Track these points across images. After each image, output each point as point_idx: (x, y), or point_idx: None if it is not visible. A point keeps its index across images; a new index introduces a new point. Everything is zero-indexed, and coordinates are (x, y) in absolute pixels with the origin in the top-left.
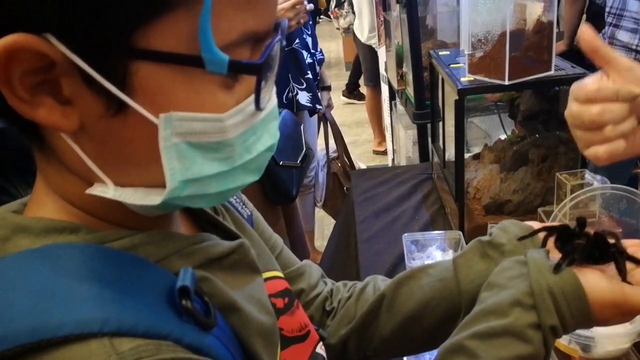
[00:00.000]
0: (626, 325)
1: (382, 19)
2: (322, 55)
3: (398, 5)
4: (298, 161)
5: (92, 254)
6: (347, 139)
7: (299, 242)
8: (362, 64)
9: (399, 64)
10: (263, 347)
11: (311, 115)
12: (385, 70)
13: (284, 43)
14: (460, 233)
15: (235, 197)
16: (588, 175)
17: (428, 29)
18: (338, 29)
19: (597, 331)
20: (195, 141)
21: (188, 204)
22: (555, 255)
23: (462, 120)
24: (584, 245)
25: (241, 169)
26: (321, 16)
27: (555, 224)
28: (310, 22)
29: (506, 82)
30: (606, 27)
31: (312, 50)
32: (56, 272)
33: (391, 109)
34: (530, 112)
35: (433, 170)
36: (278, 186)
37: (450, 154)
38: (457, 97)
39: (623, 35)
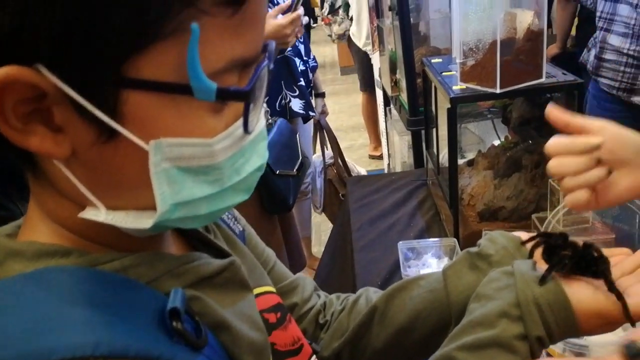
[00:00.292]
0: (618, 333)
1: (375, 25)
2: (315, 62)
3: (391, 12)
4: (294, 170)
5: (84, 277)
6: (343, 144)
7: (296, 250)
8: (358, 70)
9: (393, 70)
10: None
11: (305, 122)
12: (379, 76)
13: (271, 66)
14: (455, 240)
15: (227, 213)
16: None
17: (421, 36)
18: (330, 35)
19: (591, 340)
20: (185, 165)
21: (179, 225)
22: (542, 266)
23: (455, 128)
24: (570, 257)
25: (231, 189)
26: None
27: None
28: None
29: (498, 90)
30: (597, 32)
31: (304, 58)
32: (48, 297)
33: (385, 115)
34: (522, 118)
35: (428, 176)
36: (275, 195)
37: (444, 159)
38: (449, 106)
39: (614, 40)
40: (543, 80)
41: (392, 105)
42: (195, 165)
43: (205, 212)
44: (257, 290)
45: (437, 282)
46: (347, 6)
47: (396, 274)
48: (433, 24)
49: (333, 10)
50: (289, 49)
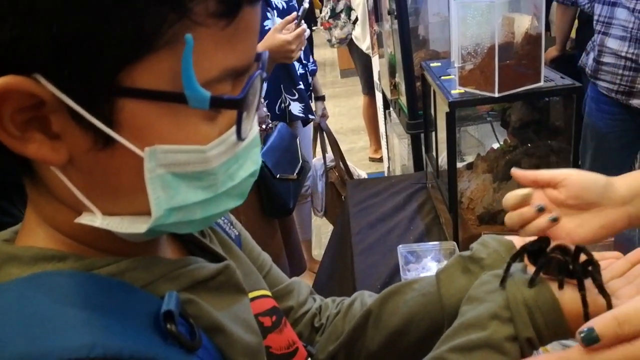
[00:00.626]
0: None
1: (374, 29)
2: (315, 65)
3: (390, 16)
4: (294, 174)
5: (80, 281)
6: (343, 147)
7: (296, 254)
8: (362, 73)
9: (392, 73)
10: None
11: (304, 125)
12: (379, 79)
13: (264, 75)
14: (455, 244)
15: (223, 218)
16: None
17: (420, 39)
18: (329, 40)
19: None
20: (179, 171)
21: (174, 230)
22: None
23: (454, 132)
24: (558, 259)
25: (224, 195)
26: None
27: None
28: None
29: (496, 94)
30: (595, 35)
31: (303, 61)
32: (44, 300)
33: (385, 118)
34: (521, 122)
35: (427, 179)
36: (275, 199)
37: (443, 163)
38: (448, 110)
39: (612, 43)
40: (541, 84)
41: (391, 109)
42: (190, 171)
43: (199, 217)
44: (252, 294)
45: (431, 285)
46: (348, 10)
47: (396, 277)
48: (432, 28)
49: (335, 15)
50: None
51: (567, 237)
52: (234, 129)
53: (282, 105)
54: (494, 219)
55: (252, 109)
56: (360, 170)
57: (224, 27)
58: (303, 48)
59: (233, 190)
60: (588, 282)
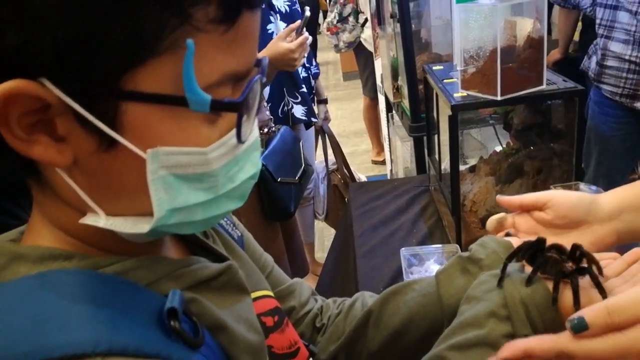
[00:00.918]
0: None
1: (377, 32)
2: (317, 68)
3: (392, 19)
4: (296, 178)
5: (86, 279)
6: (345, 150)
7: (298, 257)
8: (368, 76)
9: (395, 76)
10: None
11: (307, 128)
12: (382, 82)
13: (264, 80)
14: (458, 247)
15: (226, 219)
16: (583, 187)
17: (423, 42)
18: (336, 45)
19: None
20: (181, 173)
21: (176, 230)
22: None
23: (456, 135)
24: (554, 259)
25: (225, 197)
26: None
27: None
28: None
29: (498, 98)
30: (598, 38)
31: (306, 64)
32: (52, 297)
33: (388, 121)
34: (523, 125)
35: (430, 182)
36: (276, 203)
37: (446, 166)
38: (450, 113)
39: (615, 46)
40: (544, 87)
41: (394, 111)
42: (191, 172)
43: (200, 218)
44: (254, 294)
45: (430, 286)
46: (356, 13)
47: (398, 280)
48: (434, 31)
49: (342, 19)
50: None
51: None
52: (234, 131)
53: (285, 108)
54: None
55: (252, 113)
56: (361, 173)
57: (223, 32)
58: (306, 55)
59: (233, 192)
60: (586, 280)
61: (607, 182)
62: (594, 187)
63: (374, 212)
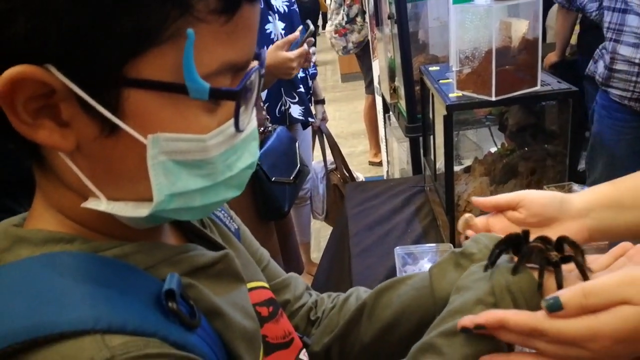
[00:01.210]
0: None
1: (375, 33)
2: (315, 69)
3: (390, 20)
4: (291, 178)
5: (86, 260)
6: (343, 151)
7: (293, 257)
8: (371, 74)
9: (392, 77)
10: (246, 350)
11: (304, 128)
12: (379, 83)
13: (262, 72)
14: (451, 246)
15: (223, 212)
16: (576, 187)
17: (420, 44)
18: (345, 47)
19: None
20: (180, 159)
21: (174, 216)
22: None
23: (451, 135)
24: (539, 248)
25: (223, 184)
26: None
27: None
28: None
29: (493, 98)
30: (607, 42)
31: None
32: (53, 276)
33: (385, 122)
34: (518, 126)
35: (425, 182)
36: (270, 202)
37: (441, 166)
38: (445, 113)
39: (625, 50)
40: (538, 88)
41: (391, 112)
42: (190, 159)
43: (199, 204)
44: (250, 285)
45: (423, 280)
46: (363, 13)
47: None
48: (432, 32)
49: (350, 20)
50: None
51: None
52: (232, 121)
53: (283, 108)
54: None
55: (250, 104)
56: (358, 173)
57: (223, 23)
58: (307, 66)
59: (231, 181)
60: (571, 266)
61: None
62: (587, 188)
63: (370, 212)
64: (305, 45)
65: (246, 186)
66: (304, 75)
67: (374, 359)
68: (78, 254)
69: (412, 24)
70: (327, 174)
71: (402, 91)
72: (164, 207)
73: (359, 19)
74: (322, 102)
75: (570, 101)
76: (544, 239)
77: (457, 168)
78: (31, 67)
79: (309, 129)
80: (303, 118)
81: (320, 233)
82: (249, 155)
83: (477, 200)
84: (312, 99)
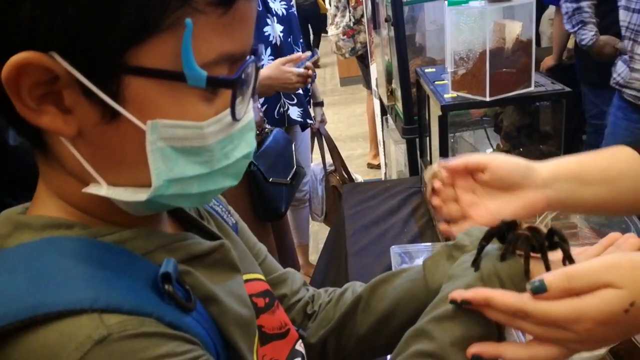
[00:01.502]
0: None
1: (372, 36)
2: (314, 71)
3: (387, 23)
4: (288, 179)
5: (85, 244)
6: (341, 154)
7: (289, 258)
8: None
9: (389, 80)
10: (240, 336)
11: (303, 129)
12: (377, 86)
13: (259, 64)
14: None
15: (221, 206)
16: None
17: (417, 46)
18: (353, 48)
19: None
20: (178, 145)
21: (172, 202)
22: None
23: (446, 135)
24: (526, 236)
25: (220, 172)
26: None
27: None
28: (301, 40)
29: (487, 99)
30: (625, 41)
31: None
32: (53, 258)
33: (382, 124)
34: (512, 126)
35: (422, 183)
36: (267, 203)
37: None
38: (440, 113)
39: None
40: (532, 89)
41: (388, 115)
42: (188, 145)
43: (196, 192)
44: (246, 276)
45: (418, 272)
46: None
47: None
48: (429, 35)
49: (357, 21)
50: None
51: (489, 215)
52: (229, 110)
53: (281, 109)
54: None
55: (247, 95)
56: (357, 175)
57: (221, 15)
58: (309, 82)
59: (228, 169)
60: (558, 254)
61: None
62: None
63: (367, 213)
64: (309, 71)
65: (243, 187)
66: None
67: (370, 350)
68: (77, 238)
69: (409, 27)
70: (326, 176)
71: (399, 93)
72: (162, 192)
73: (364, 19)
74: (321, 104)
75: (564, 102)
76: (532, 229)
77: None
78: (36, 54)
79: (308, 130)
80: (302, 120)
81: (318, 235)
82: (246, 145)
83: (447, 163)
84: (311, 101)
